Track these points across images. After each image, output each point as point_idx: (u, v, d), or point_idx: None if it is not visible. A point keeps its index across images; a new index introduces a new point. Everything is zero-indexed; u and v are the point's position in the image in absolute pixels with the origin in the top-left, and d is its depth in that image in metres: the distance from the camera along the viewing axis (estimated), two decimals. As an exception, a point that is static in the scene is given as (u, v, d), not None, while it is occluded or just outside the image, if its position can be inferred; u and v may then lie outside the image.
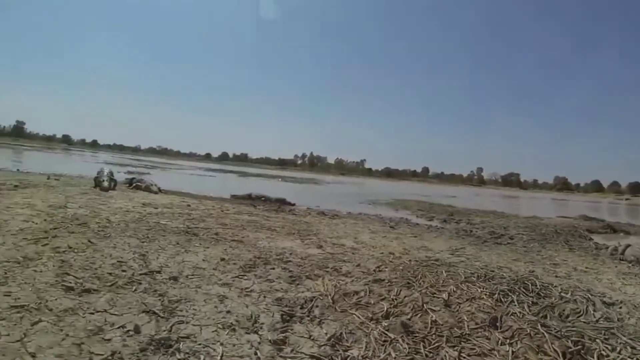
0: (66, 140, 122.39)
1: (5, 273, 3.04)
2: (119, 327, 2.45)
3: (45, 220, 5.26)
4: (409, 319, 2.78)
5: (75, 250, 3.89)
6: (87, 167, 24.20)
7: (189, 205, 8.08)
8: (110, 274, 3.36)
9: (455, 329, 2.69)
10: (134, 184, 11.12)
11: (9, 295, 2.58)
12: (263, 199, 11.68)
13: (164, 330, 2.44)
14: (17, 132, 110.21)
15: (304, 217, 8.48)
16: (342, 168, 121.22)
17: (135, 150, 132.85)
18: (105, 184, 9.24)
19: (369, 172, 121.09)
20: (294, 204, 11.20)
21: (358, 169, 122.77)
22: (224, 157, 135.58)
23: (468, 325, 2.75)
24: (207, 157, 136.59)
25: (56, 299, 2.71)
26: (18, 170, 15.13)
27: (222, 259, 3.96)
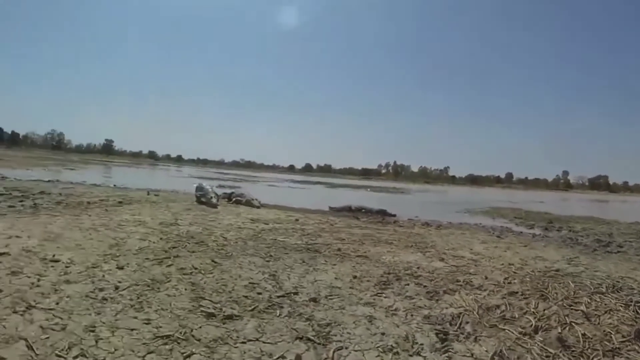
0: (152, 156, 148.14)
1: (139, 297, 3.55)
2: (278, 358, 2.71)
3: (161, 238, 6.26)
4: (560, 333, 3.17)
5: (202, 272, 4.46)
6: (177, 182, 28.48)
7: (297, 220, 9.47)
8: (246, 297, 3.75)
9: (605, 342, 3.10)
10: (234, 199, 12.72)
11: (149, 324, 2.93)
12: (363, 210, 13.39)
13: (327, 359, 2.67)
14: (107, 150, 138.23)
15: (412, 229, 9.79)
16: (426, 176, 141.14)
17: (219, 163, 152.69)
18: (214, 200, 10.89)
19: (453, 180, 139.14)
20: (394, 215, 13.03)
21: (442, 177, 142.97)
22: (307, 169, 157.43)
23: (616, 339, 3.16)
24: (291, 168, 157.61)
25: (200, 327, 3.05)
26: (115, 185, 18.80)
27: (355, 277, 4.57)
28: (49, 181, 17.32)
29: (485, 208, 22.73)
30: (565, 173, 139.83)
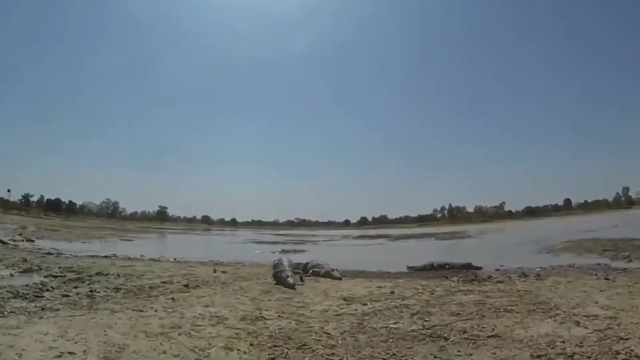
0: (206, 220, 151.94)
1: None
2: None
3: (251, 344, 4.87)
4: None
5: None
6: (238, 249, 27.53)
7: (392, 293, 8.19)
8: None
9: None
10: (311, 270, 11.25)
11: None
12: (447, 266, 12.46)
13: None
14: (161, 217, 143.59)
15: (514, 285, 8.92)
16: (482, 215, 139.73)
17: (274, 224, 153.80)
18: (291, 280, 9.33)
19: (510, 215, 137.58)
20: (481, 268, 12.12)
21: (498, 213, 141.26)
22: (363, 222, 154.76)
23: None
24: (346, 223, 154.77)
25: None
26: (175, 259, 17.61)
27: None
28: (105, 257, 16.67)
29: (564, 244, 20.97)
30: (626, 189, 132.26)
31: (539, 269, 11.57)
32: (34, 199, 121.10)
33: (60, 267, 10.71)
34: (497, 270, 11.97)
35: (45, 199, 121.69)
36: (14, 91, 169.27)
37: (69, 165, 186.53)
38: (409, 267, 13.40)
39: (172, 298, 7.69)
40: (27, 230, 33.68)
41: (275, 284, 9.54)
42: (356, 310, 6.79)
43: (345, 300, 7.71)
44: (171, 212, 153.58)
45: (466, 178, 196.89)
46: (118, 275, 9.99)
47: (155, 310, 6.53)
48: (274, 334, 5.26)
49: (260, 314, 6.42)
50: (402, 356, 4.39)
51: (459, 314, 6.15)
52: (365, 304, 7.26)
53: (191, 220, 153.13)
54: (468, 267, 12.44)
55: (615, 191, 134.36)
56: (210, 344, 4.83)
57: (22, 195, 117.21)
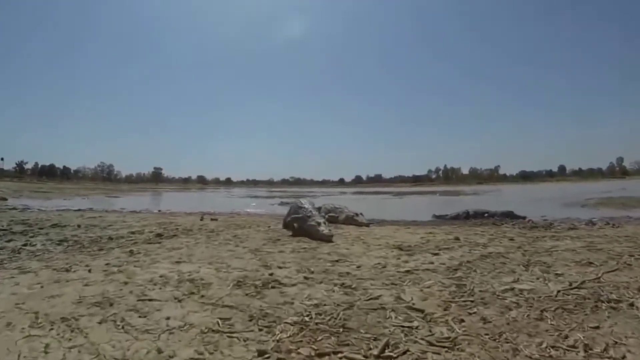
0: (201, 180, 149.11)
1: None
2: None
3: (260, 353, 1.89)
4: None
5: None
6: (233, 203, 24.70)
7: (457, 239, 6.11)
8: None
9: None
10: (327, 216, 8.82)
11: None
12: (486, 214, 11.33)
13: None
14: (156, 178, 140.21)
15: (593, 231, 6.96)
16: (477, 177, 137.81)
17: (269, 183, 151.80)
18: (325, 229, 6.56)
19: (504, 178, 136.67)
20: (525, 217, 10.74)
21: (493, 176, 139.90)
22: (358, 180, 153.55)
23: None
24: (341, 182, 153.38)
25: None
26: (160, 211, 14.86)
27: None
28: (78, 210, 13.79)
29: (590, 200, 18.63)
30: (620, 160, 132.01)
31: (595, 219, 9.76)
32: (29, 166, 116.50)
33: (12, 220, 8.94)
34: (544, 219, 10.13)
35: (39, 166, 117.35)
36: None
37: (64, 133, 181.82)
38: (436, 216, 12.18)
39: (131, 251, 5.04)
40: (6, 191, 30.47)
41: (291, 235, 6.79)
42: (431, 263, 4.20)
43: (401, 249, 5.05)
44: (166, 173, 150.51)
45: (462, 142, 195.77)
46: (78, 226, 8.02)
47: (90, 270, 3.85)
48: (306, 316, 2.48)
49: (271, 274, 3.61)
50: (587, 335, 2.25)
51: (589, 263, 4.08)
52: (437, 254, 4.71)
53: (186, 181, 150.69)
54: (511, 215, 11.03)
55: (609, 161, 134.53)
56: (161, 348, 2.02)
57: (15, 163, 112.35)
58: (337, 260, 4.37)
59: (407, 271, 3.74)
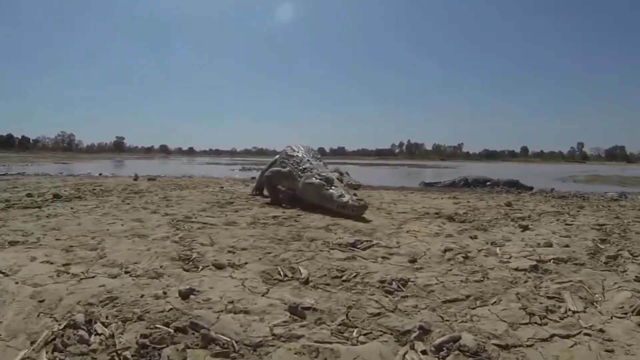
0: (164, 150, 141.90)
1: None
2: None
3: None
4: None
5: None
6: (188, 169, 22.08)
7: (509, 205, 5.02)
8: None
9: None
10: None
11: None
12: (488, 183, 10.35)
13: None
14: (118, 147, 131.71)
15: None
16: (440, 153, 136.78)
17: (232, 153, 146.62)
18: (346, 197, 4.08)
19: (467, 156, 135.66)
20: (532, 188, 9.74)
21: (456, 153, 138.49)
22: (321, 152, 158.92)
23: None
24: None
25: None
26: (100, 174, 12.42)
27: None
28: (2, 174, 11.20)
29: (574, 177, 18.44)
30: (580, 145, 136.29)
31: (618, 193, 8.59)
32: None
33: None
34: (554, 191, 8.74)
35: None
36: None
37: (24, 103, 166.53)
38: (425, 184, 11.15)
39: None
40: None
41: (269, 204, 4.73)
42: (549, 245, 2.77)
43: (452, 219, 3.71)
44: (129, 142, 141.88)
45: (426, 117, 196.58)
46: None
47: None
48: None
49: (187, 294, 1.46)
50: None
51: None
52: (525, 227, 3.38)
53: (149, 150, 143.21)
54: (517, 185, 9.96)
55: (570, 145, 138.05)
56: None
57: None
58: (353, 246, 2.51)
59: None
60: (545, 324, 1.50)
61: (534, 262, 2.27)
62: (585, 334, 1.42)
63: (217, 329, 1.36)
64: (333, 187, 4.21)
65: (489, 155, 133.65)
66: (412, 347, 1.31)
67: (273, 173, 4.88)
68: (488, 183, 10.13)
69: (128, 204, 4.15)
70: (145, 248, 2.38)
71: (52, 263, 2.07)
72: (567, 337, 1.40)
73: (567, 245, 2.76)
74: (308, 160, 4.86)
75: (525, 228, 3.38)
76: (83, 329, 1.31)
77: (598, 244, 2.82)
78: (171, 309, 1.51)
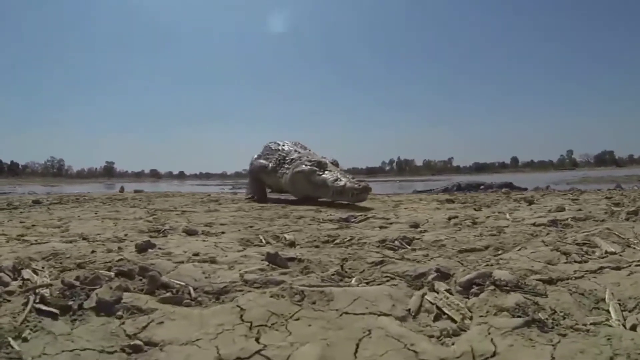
0: (154, 174, 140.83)
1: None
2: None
3: None
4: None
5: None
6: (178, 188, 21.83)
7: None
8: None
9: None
10: None
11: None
12: (482, 187, 10.13)
13: None
14: (108, 172, 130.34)
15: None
16: (430, 169, 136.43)
17: (222, 176, 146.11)
18: (343, 181, 3.54)
19: (457, 170, 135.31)
20: (526, 189, 9.17)
21: (447, 167, 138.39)
22: None
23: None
24: None
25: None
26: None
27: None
28: None
29: (577, 179, 18.50)
30: (570, 152, 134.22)
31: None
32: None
33: None
34: (551, 190, 8.23)
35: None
36: None
37: (11, 127, 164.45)
38: (418, 192, 10.50)
39: None
40: None
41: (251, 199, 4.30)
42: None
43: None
44: (119, 167, 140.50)
45: (415, 135, 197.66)
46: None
47: None
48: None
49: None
50: None
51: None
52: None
53: (139, 174, 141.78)
54: (511, 187, 9.54)
55: (559, 153, 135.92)
56: None
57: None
58: (346, 220, 2.40)
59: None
60: (586, 262, 1.22)
61: (552, 218, 2.00)
62: (637, 265, 1.15)
63: (173, 276, 1.07)
64: (327, 172, 3.64)
65: (480, 168, 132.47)
66: (432, 289, 1.02)
67: (257, 166, 4.42)
68: (482, 187, 9.93)
69: (109, 205, 3.82)
70: (113, 224, 2.11)
71: (5, 235, 1.77)
72: (618, 269, 1.12)
73: (580, 210, 2.51)
74: (295, 150, 4.36)
75: (531, 202, 3.15)
76: (6, 274, 1.02)
77: (612, 208, 2.57)
78: (121, 259, 1.21)
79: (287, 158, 4.23)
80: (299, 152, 4.26)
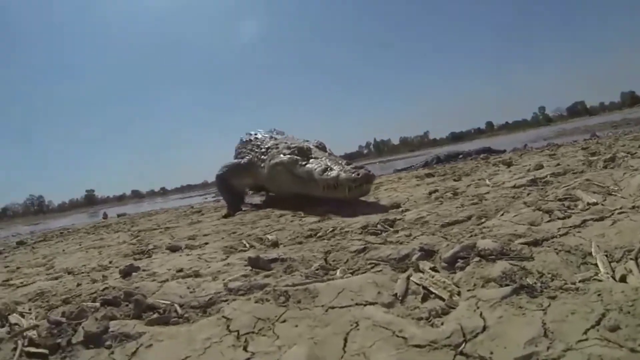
0: (136, 194, 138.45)
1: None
2: None
3: None
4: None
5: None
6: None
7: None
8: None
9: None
10: None
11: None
12: (461, 156, 9.89)
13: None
14: (90, 200, 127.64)
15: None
16: (408, 145, 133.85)
17: (204, 185, 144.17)
18: (336, 170, 2.55)
19: (435, 142, 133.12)
20: (504, 151, 9.16)
21: (424, 142, 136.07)
22: None
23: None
24: None
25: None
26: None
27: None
28: None
29: (553, 134, 18.16)
30: (542, 109, 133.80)
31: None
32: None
33: None
34: (527, 147, 8.39)
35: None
36: None
37: None
38: (398, 170, 10.02)
39: None
40: None
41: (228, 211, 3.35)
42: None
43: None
44: (100, 193, 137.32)
45: (388, 114, 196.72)
46: None
47: None
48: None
49: None
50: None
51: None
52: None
53: (121, 198, 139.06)
54: (489, 151, 9.49)
55: (532, 111, 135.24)
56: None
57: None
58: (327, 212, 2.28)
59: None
60: (569, 217, 1.21)
61: (532, 178, 2.00)
62: (620, 213, 1.14)
63: (159, 296, 1.06)
64: (312, 160, 2.87)
65: (456, 137, 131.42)
66: (417, 269, 0.99)
67: (226, 170, 3.67)
68: (460, 155, 9.88)
69: (93, 234, 3.73)
70: (98, 253, 2.10)
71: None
72: (602, 219, 1.12)
73: (558, 164, 2.52)
74: (271, 137, 3.69)
75: (509, 165, 3.17)
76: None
77: (589, 158, 2.59)
78: (106, 287, 1.19)
79: (261, 147, 3.55)
80: (275, 139, 3.59)
